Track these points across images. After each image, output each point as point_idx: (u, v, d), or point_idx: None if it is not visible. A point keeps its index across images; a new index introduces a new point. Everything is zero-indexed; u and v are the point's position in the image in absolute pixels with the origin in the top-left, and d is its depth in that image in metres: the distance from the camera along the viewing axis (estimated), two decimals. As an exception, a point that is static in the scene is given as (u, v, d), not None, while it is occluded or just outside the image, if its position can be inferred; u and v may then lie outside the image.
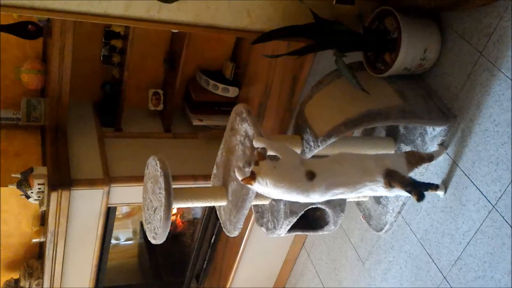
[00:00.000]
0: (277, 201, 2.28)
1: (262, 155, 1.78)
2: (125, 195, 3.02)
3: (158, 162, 1.97)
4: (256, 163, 1.78)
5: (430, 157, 2.09)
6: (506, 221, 1.88)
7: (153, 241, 2.07)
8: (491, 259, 1.95)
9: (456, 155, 2.11)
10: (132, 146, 3.27)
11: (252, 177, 1.77)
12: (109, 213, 3.11)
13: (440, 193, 2.16)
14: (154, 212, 2.04)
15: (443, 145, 2.15)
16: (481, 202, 1.99)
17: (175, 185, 1.93)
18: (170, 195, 1.91)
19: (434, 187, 2.09)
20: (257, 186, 1.79)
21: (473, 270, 2.04)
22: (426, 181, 2.16)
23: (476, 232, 2.02)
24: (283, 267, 3.66)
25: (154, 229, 2.05)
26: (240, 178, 1.82)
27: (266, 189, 1.80)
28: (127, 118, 3.39)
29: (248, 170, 1.85)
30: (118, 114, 3.31)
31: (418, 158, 2.02)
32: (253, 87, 3.38)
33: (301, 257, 3.49)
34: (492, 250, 1.95)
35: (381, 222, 2.51)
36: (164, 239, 2.02)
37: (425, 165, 2.17)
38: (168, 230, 1.98)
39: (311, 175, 1.82)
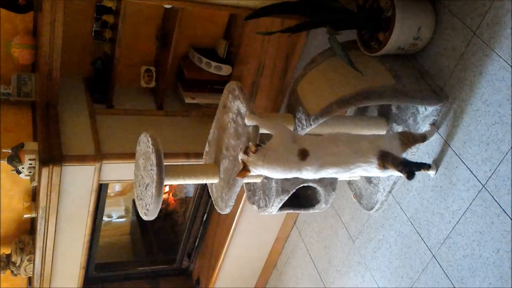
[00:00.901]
0: (269, 179, 2.29)
1: (253, 149, 1.80)
2: (117, 172, 3.02)
3: (149, 138, 1.96)
4: (246, 153, 1.80)
5: (423, 137, 2.10)
6: (496, 201, 1.90)
7: (144, 217, 2.08)
8: (480, 237, 1.98)
9: (447, 135, 2.12)
10: (124, 123, 3.25)
11: (245, 169, 1.82)
12: (101, 190, 3.11)
13: (431, 172, 2.18)
14: (146, 188, 2.04)
15: (434, 125, 2.15)
16: (471, 182, 2.01)
17: (166, 163, 1.93)
18: (162, 172, 1.91)
19: (426, 166, 2.11)
20: (253, 173, 1.82)
21: (462, 249, 2.06)
22: (418, 161, 2.17)
23: (465, 211, 2.04)
24: (274, 245, 3.69)
25: (145, 206, 2.05)
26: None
27: (263, 173, 1.83)
28: (119, 95, 3.37)
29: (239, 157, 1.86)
30: (109, 91, 3.29)
31: (411, 138, 2.03)
32: (246, 65, 3.36)
33: (292, 236, 3.52)
34: (481, 229, 1.97)
35: (372, 201, 2.52)
36: (156, 215, 2.02)
37: (417, 145, 2.18)
38: (160, 207, 1.99)
39: (303, 155, 1.83)
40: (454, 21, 2.06)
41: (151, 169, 1.95)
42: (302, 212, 3.11)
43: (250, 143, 1.84)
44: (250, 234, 3.58)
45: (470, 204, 2.01)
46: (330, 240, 3.03)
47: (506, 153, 1.86)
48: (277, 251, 3.72)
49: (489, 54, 1.92)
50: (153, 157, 1.93)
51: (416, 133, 2.12)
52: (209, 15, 3.46)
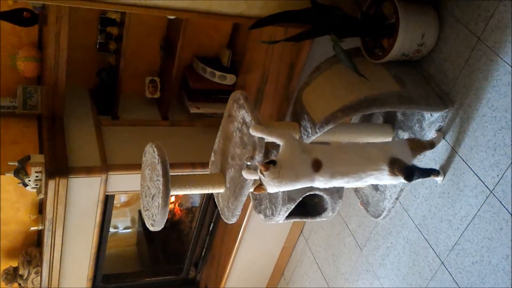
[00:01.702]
0: (275, 188, 2.28)
1: (265, 167, 1.77)
2: (123, 183, 3.02)
3: (155, 149, 1.96)
4: (261, 173, 1.78)
5: (431, 144, 2.10)
6: (504, 206, 1.89)
7: (151, 228, 2.07)
8: (488, 244, 1.96)
9: (454, 140, 2.11)
10: (130, 134, 3.26)
11: (261, 187, 1.82)
12: (107, 201, 3.11)
13: (438, 179, 2.16)
14: (152, 199, 2.03)
15: (441, 131, 2.15)
16: (479, 188, 2.00)
17: (172, 173, 1.93)
18: (168, 182, 1.91)
19: (435, 173, 2.10)
20: (271, 190, 1.82)
21: (471, 255, 2.04)
22: (426, 167, 2.16)
23: (473, 217, 2.02)
24: (281, 254, 3.68)
25: (152, 216, 2.05)
26: (248, 177, 1.88)
27: (279, 189, 1.83)
28: (124, 106, 3.38)
29: (252, 163, 1.86)
30: (115, 102, 3.30)
31: (420, 145, 2.02)
32: (251, 74, 3.36)
33: (299, 244, 3.50)
34: (489, 235, 1.96)
35: (379, 208, 2.51)
36: (162, 226, 2.02)
37: (425, 152, 2.17)
38: (166, 217, 1.98)
39: (317, 165, 1.82)
40: (458, 27, 2.06)
41: (157, 180, 1.95)
42: (309, 221, 3.10)
43: (257, 163, 1.82)
44: (256, 243, 3.57)
45: (478, 210, 2.00)
46: (338, 248, 3.01)
47: (514, 158, 1.85)
48: (284, 260, 3.70)
49: (494, 59, 1.91)
50: (159, 168, 1.92)
51: (424, 140, 2.11)
52: (212, 25, 3.47)
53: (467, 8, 2.02)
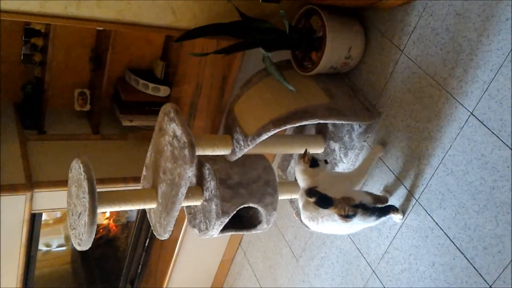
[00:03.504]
0: (208, 201, 2.26)
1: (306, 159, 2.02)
2: (51, 200, 2.89)
3: (81, 165, 1.89)
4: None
5: (384, 200, 2.07)
6: (429, 214, 1.95)
7: (78, 248, 1.99)
8: (416, 251, 2.02)
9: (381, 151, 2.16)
10: (58, 149, 3.13)
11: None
12: (34, 220, 2.97)
13: (397, 216, 2.09)
14: (79, 217, 1.96)
15: (382, 144, 2.16)
16: (405, 197, 2.05)
17: (104, 189, 1.88)
18: (95, 199, 1.84)
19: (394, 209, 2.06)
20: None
21: (400, 263, 2.09)
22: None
23: (401, 226, 2.08)
24: (220, 268, 3.64)
25: (79, 235, 1.97)
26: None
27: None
28: (51, 120, 3.25)
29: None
30: (41, 116, 3.16)
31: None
32: (184, 86, 3.32)
33: (238, 257, 3.48)
34: (416, 243, 2.01)
35: (313, 218, 2.53)
36: (90, 245, 1.94)
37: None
38: (93, 236, 1.91)
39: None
40: (383, 40, 2.12)
41: (84, 197, 1.87)
42: (245, 233, 3.09)
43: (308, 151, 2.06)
44: (194, 258, 3.51)
45: (405, 218, 2.05)
46: (275, 259, 3.01)
47: (437, 168, 1.92)
48: (223, 274, 3.66)
49: (417, 71, 1.98)
50: (85, 184, 1.85)
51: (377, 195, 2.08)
52: (144, 36, 3.41)
53: (391, 22, 2.08)
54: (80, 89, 3.37)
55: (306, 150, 2.09)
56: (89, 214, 1.85)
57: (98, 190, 1.90)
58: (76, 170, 1.95)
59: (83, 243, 1.94)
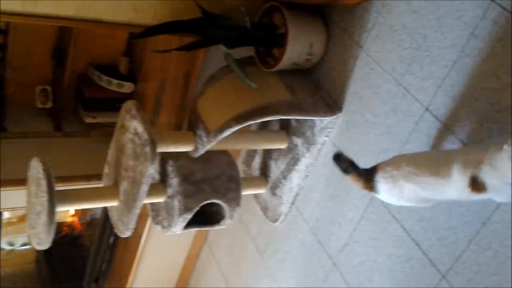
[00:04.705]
0: (171, 198, 2.26)
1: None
2: (10, 199, 2.82)
3: (39, 163, 1.87)
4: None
5: None
6: (386, 207, 2.00)
7: (37, 247, 1.97)
8: (374, 244, 2.07)
9: (341, 146, 2.20)
10: (19, 147, 3.06)
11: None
12: (-6, 219, 2.91)
13: None
14: (38, 216, 1.93)
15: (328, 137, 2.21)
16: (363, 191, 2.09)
17: (65, 187, 1.86)
18: (53, 198, 1.83)
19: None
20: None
21: (359, 256, 2.14)
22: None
23: (360, 219, 2.12)
24: (185, 264, 3.63)
25: (38, 234, 1.94)
26: None
27: None
28: (12, 117, 3.19)
29: None
30: (1, 113, 3.10)
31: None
32: (149, 82, 3.31)
33: (204, 252, 3.48)
34: (374, 236, 2.06)
35: (277, 213, 2.57)
36: (49, 244, 1.92)
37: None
38: (53, 235, 1.89)
39: None
40: (344, 37, 2.16)
41: (42, 196, 1.85)
42: (209, 229, 3.10)
43: None
44: (159, 254, 3.50)
45: (364, 212, 2.10)
46: (240, 254, 3.03)
47: (394, 162, 1.96)
48: (189, 270, 3.66)
49: (375, 67, 2.02)
50: (43, 183, 1.83)
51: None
52: (108, 32, 3.37)
53: (351, 20, 2.12)
54: (42, 86, 3.32)
55: None
56: (47, 213, 1.83)
57: (58, 188, 1.88)
58: (35, 168, 1.93)
59: (42, 242, 1.91)
